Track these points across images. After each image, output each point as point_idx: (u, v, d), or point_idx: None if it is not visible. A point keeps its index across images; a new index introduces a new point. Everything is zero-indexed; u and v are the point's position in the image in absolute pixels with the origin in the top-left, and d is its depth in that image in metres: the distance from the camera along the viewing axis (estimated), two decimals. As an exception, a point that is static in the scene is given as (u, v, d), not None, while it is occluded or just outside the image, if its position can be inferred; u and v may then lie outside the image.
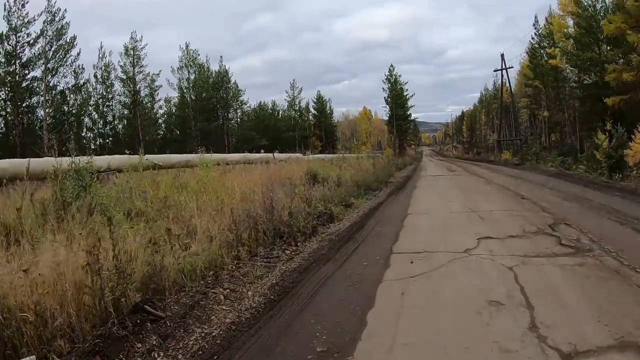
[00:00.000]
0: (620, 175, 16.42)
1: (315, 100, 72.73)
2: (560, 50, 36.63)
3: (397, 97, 63.66)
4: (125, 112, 43.80)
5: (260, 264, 6.15)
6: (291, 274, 5.80)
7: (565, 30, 36.04)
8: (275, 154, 23.65)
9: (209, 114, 51.50)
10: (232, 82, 55.73)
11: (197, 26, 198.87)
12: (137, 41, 42.55)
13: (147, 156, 13.69)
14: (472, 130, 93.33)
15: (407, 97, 65.59)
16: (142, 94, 44.26)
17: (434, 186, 17.65)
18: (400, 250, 6.81)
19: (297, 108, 68.70)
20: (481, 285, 4.96)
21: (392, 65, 65.56)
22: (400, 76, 64.44)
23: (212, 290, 5.08)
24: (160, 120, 50.90)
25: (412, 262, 6.04)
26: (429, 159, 78.36)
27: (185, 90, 49.63)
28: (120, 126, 44.74)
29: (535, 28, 44.04)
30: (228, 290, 5.17)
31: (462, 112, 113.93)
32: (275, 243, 7.28)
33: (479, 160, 52.48)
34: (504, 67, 49.61)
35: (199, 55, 50.25)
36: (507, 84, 50.97)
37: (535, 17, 44.34)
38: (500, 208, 10.48)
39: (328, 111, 75.08)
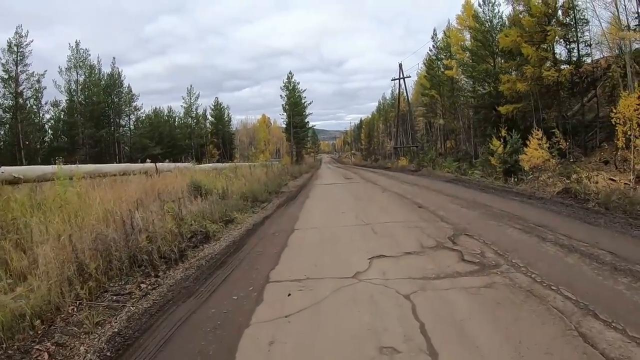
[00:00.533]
0: (516, 179, 16.79)
1: (212, 107, 71.20)
2: (456, 62, 38.78)
3: (295, 105, 63.64)
4: (7, 117, 39.35)
5: (105, 305, 4.91)
6: (140, 317, 4.60)
7: (462, 43, 38.60)
8: (159, 164, 21.62)
9: (98, 119, 48.21)
10: (125, 85, 53.15)
11: (95, 26, 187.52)
12: (22, 36, 38.49)
13: (4, 168, 11.55)
14: (370, 138, 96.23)
15: (305, 104, 65.91)
16: (25, 95, 40.19)
17: (327, 196, 16.79)
18: (278, 278, 5.73)
19: (194, 115, 66.57)
20: (372, 323, 4.04)
21: (290, 72, 65.86)
22: (298, 83, 64.81)
23: (37, 347, 3.88)
24: (47, 126, 46.64)
25: (289, 295, 4.99)
26: (327, 166, 78.59)
27: (74, 94, 46.12)
28: (1, 132, 40.54)
29: (434, 40, 47.16)
30: (56, 346, 3.93)
31: (361, 121, 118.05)
32: (132, 274, 6.02)
33: (377, 167, 53.14)
34: (401, 76, 51.31)
35: (89, 55, 47.21)
36: (405, 93, 52.66)
37: (434, 30, 47.97)
38: (396, 219, 9.70)
39: (226, 118, 73.98)
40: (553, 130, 20.12)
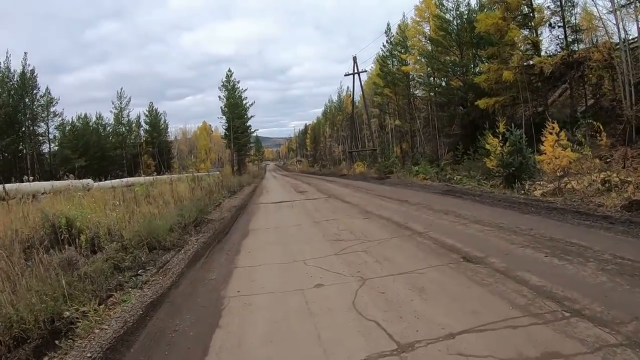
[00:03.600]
0: (525, 186, 13.53)
1: (147, 114, 63.32)
2: (416, 54, 35.26)
3: (235, 106, 56.87)
4: None
5: None
6: None
7: (421, 35, 35.03)
8: (19, 184, 15.03)
9: (3, 125, 41.02)
10: (41, 88, 45.96)
11: (31, 29, 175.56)
12: None
13: None
14: (317, 144, 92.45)
15: (247, 105, 59.01)
16: None
17: (279, 230, 10.13)
18: None
19: (125, 122, 59.00)
20: None
21: (229, 70, 59.58)
22: (239, 82, 57.96)
23: None
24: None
25: None
26: (273, 174, 71.97)
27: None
28: None
29: (388, 35, 43.28)
30: None
31: (306, 126, 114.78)
32: None
33: (329, 174, 47.15)
34: (356, 70, 45.67)
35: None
36: (360, 89, 47.34)
37: (388, 24, 43.86)
38: (473, 322, 3.76)
39: (162, 126, 66.02)
40: (580, 120, 15.69)
